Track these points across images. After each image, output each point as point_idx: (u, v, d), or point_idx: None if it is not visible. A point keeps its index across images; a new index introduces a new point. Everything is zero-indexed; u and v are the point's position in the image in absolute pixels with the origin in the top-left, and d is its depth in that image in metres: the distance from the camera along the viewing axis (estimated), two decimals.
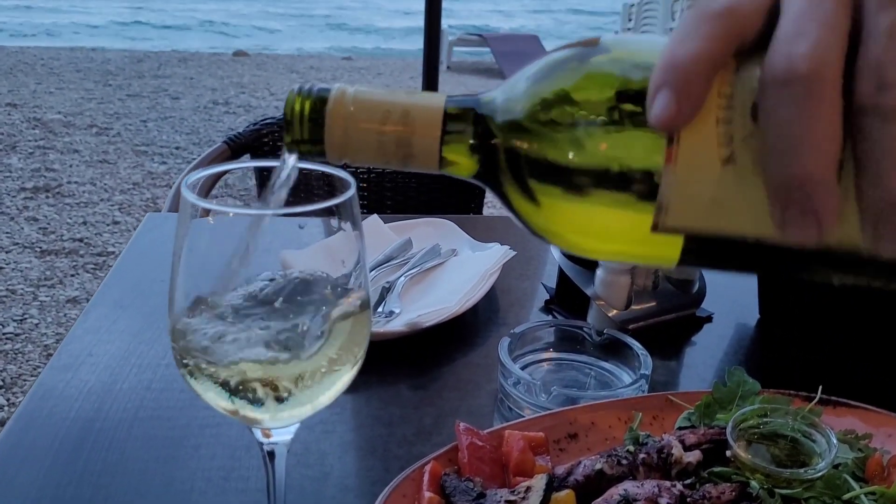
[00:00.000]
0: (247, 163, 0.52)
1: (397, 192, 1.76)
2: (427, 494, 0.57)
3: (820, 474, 0.63)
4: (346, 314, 0.44)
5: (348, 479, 0.67)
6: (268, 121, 1.69)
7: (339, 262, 0.47)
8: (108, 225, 3.86)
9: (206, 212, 0.42)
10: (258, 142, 1.66)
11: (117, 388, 0.77)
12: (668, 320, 0.95)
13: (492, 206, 4.44)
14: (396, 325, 0.87)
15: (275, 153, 1.68)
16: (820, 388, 0.73)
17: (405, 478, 0.59)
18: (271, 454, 0.51)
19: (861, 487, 0.62)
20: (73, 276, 3.27)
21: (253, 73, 8.70)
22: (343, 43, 13.42)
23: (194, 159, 1.67)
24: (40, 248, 3.53)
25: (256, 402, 0.40)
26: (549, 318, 0.98)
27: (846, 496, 0.61)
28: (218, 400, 0.42)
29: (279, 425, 0.46)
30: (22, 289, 3.14)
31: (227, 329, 0.41)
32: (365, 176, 1.75)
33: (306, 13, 17.39)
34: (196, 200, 0.42)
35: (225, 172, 1.68)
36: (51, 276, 3.26)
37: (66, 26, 14.00)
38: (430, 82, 2.66)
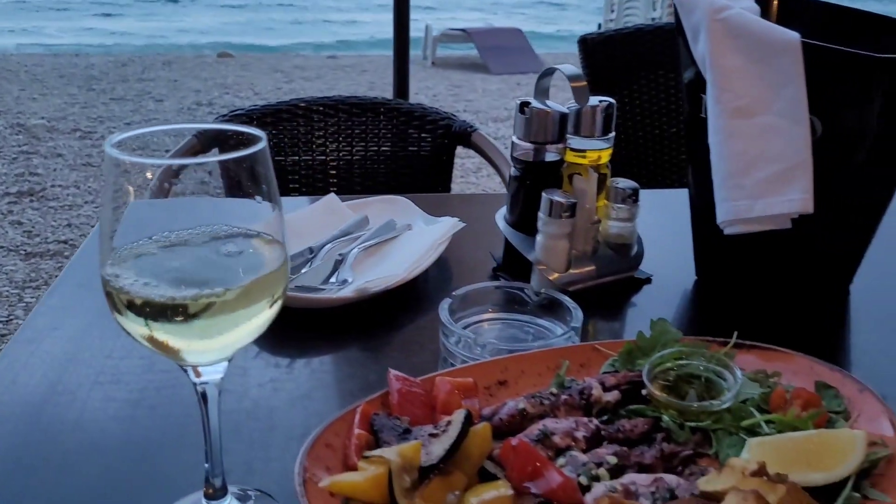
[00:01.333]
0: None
1: (366, 178, 1.80)
2: (357, 431, 0.62)
3: (726, 406, 0.69)
4: (255, 258, 0.49)
5: (294, 429, 0.72)
6: (236, 112, 1.73)
7: (259, 213, 0.52)
8: (91, 227, 3.89)
9: (127, 168, 0.47)
10: (224, 134, 1.69)
11: (79, 358, 0.82)
12: (608, 282, 1.00)
13: (460, 181, 4.48)
14: (346, 292, 0.92)
15: (243, 145, 1.72)
16: (735, 333, 0.79)
17: (338, 418, 0.64)
18: (204, 396, 0.55)
19: (761, 418, 0.68)
20: (57, 277, 3.30)
21: (237, 73, 8.71)
22: (326, 39, 13.43)
23: None
24: (25, 250, 3.56)
25: (170, 323, 0.45)
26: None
27: (745, 423, 0.67)
28: (138, 328, 0.47)
29: (202, 360, 0.51)
30: (7, 291, 3.18)
31: (144, 267, 0.45)
32: (335, 163, 1.80)
33: (292, 10, 17.39)
34: (118, 155, 0.47)
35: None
36: (36, 278, 3.30)
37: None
38: (401, 80, 2.71)
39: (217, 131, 1.70)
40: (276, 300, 0.52)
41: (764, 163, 0.81)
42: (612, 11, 9.98)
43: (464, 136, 1.73)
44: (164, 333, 0.47)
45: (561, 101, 1.01)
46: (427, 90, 7.90)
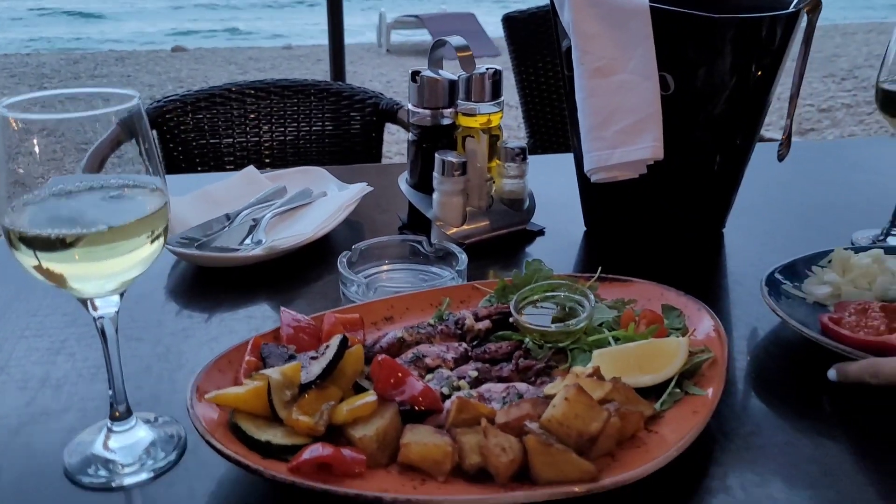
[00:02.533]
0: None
1: (299, 157, 1.87)
2: (247, 358, 0.71)
3: (579, 326, 0.78)
4: (134, 202, 0.57)
5: (199, 367, 0.80)
6: (170, 97, 1.79)
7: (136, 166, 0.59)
8: None
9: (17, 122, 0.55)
10: (162, 118, 1.76)
11: (6, 317, 0.89)
12: (503, 235, 1.10)
13: (397, 157, 4.54)
14: (257, 251, 1.00)
15: (179, 128, 1.79)
16: (599, 269, 0.88)
17: (232, 348, 0.72)
18: (103, 331, 0.63)
19: (610, 334, 0.77)
20: None
21: (191, 67, 8.67)
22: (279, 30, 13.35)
23: None
24: None
25: (55, 250, 0.53)
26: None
27: (593, 338, 0.76)
28: (28, 260, 0.55)
29: (91, 290, 0.59)
30: None
31: (36, 210, 0.53)
32: (269, 143, 1.87)
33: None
34: (4, 112, 0.54)
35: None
36: None
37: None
38: (337, 63, 2.77)
39: (153, 116, 1.74)
40: (156, 237, 0.60)
41: (620, 116, 0.91)
42: None
43: (390, 113, 1.81)
44: (51, 263, 0.55)
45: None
46: (381, 77, 7.94)
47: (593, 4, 0.92)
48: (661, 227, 1.08)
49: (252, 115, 1.85)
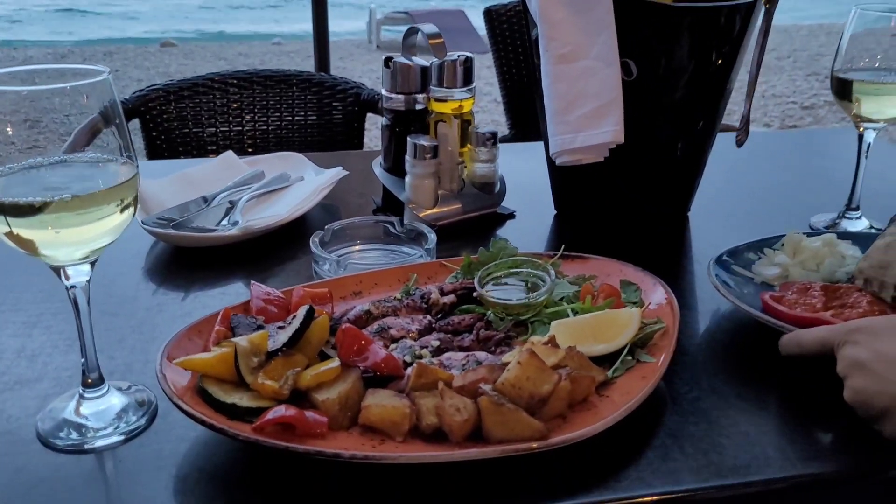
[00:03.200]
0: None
1: (282, 146, 1.90)
2: (217, 328, 0.73)
3: (539, 300, 0.81)
4: (104, 172, 0.59)
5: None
6: (154, 86, 1.81)
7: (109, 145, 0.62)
8: None
9: None
10: (145, 107, 1.78)
11: None
12: (474, 217, 1.13)
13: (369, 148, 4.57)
14: (233, 231, 1.03)
15: (162, 117, 1.81)
16: (563, 246, 0.91)
17: (202, 318, 0.75)
18: (75, 301, 0.66)
19: (568, 307, 0.80)
20: None
21: (180, 62, 8.65)
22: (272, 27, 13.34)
23: None
24: None
25: (24, 216, 0.56)
26: None
27: (551, 310, 0.79)
28: (2, 227, 0.57)
29: (61, 257, 0.61)
30: None
31: (9, 180, 0.56)
32: (251, 132, 1.89)
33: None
34: None
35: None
36: None
37: None
38: (321, 54, 2.80)
39: (136, 105, 1.75)
40: (126, 206, 0.62)
41: (583, 101, 0.94)
42: None
43: (372, 103, 1.84)
44: (21, 229, 0.57)
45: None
46: (370, 72, 7.96)
47: None
48: (628, 210, 1.11)
49: (235, 105, 1.87)
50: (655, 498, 0.63)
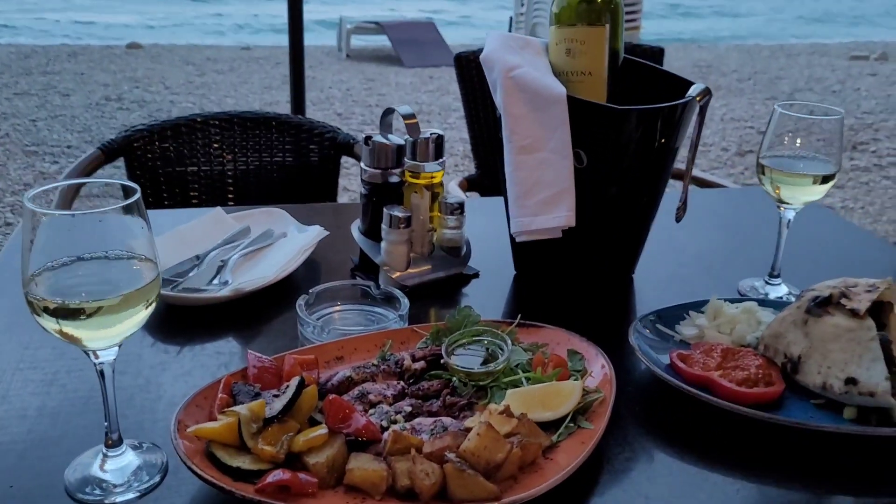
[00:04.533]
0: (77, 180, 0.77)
1: (261, 186, 2.01)
2: (220, 395, 0.85)
3: (499, 368, 0.95)
4: (134, 273, 0.71)
5: (176, 398, 0.94)
6: (138, 128, 1.91)
7: (142, 243, 0.73)
8: (0, 227, 3.93)
9: (42, 215, 0.68)
10: (130, 147, 1.88)
11: (2, 350, 1.02)
12: (442, 278, 1.26)
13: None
14: (224, 292, 1.14)
15: (146, 157, 1.90)
16: (519, 315, 1.05)
17: (207, 386, 0.87)
18: (102, 373, 0.77)
19: (522, 375, 0.94)
20: None
21: (147, 66, 8.63)
22: (239, 35, 13.33)
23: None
24: None
25: (74, 321, 0.67)
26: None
27: (507, 379, 0.93)
28: (51, 325, 0.68)
29: (99, 346, 0.73)
30: None
31: (54, 281, 0.67)
32: (231, 172, 1.99)
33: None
34: (34, 208, 0.68)
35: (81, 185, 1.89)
36: None
37: None
38: (297, 98, 2.91)
39: (122, 144, 1.86)
40: (151, 303, 0.74)
41: (540, 188, 1.08)
42: (523, 6, 10.32)
43: (346, 146, 1.96)
44: (70, 328, 0.69)
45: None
46: (341, 84, 8.04)
47: (521, 90, 1.09)
48: (580, 273, 1.25)
49: (216, 145, 1.98)
50: None
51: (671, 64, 8.92)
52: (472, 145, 2.35)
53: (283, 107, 6.44)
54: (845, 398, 0.92)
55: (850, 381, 0.92)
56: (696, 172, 2.50)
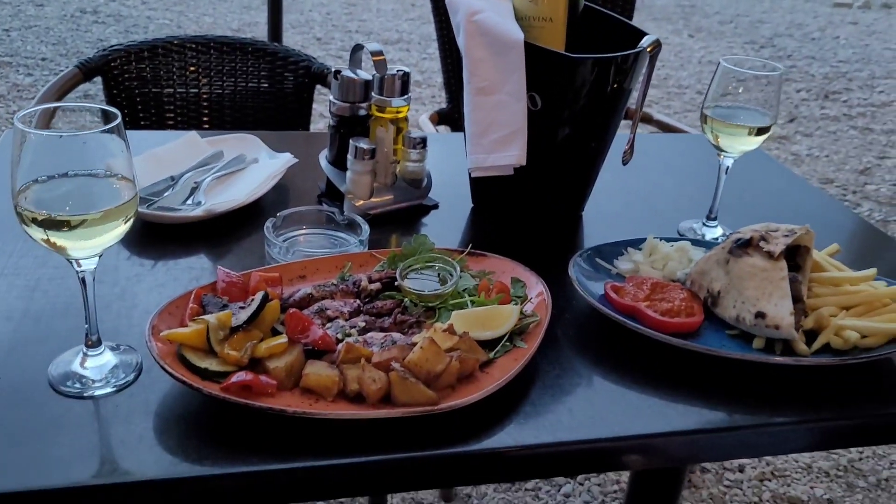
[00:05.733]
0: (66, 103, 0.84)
1: (235, 111, 2.05)
2: (191, 305, 0.94)
3: (447, 291, 1.04)
4: (113, 191, 0.78)
5: (150, 307, 1.01)
6: (116, 47, 1.94)
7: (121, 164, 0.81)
8: None
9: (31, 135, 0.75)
10: (107, 66, 1.91)
11: None
12: (403, 208, 1.34)
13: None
14: (198, 212, 1.22)
15: (123, 76, 1.94)
16: (470, 245, 1.14)
17: (179, 297, 0.95)
18: (83, 280, 0.85)
19: (468, 299, 1.03)
20: None
21: None
22: None
23: (62, 71, 1.89)
24: None
25: (60, 231, 0.75)
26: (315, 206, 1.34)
27: (454, 301, 1.02)
28: (38, 234, 0.76)
29: (82, 255, 0.81)
30: None
31: (41, 195, 0.75)
32: (207, 96, 2.04)
33: None
34: (24, 128, 0.75)
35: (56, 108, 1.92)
36: None
37: None
38: (275, 25, 2.90)
39: (99, 64, 1.90)
40: (129, 219, 0.82)
41: (495, 128, 1.15)
42: None
43: (321, 76, 2.01)
44: (56, 238, 0.76)
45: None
46: (321, 6, 7.90)
47: (482, 34, 1.15)
48: (532, 209, 1.34)
49: (192, 69, 2.01)
50: (520, 450, 0.87)
51: (655, 4, 8.86)
52: (444, 79, 2.39)
53: (262, 28, 6.34)
54: (755, 330, 1.03)
55: (760, 315, 1.02)
56: (661, 117, 2.58)
